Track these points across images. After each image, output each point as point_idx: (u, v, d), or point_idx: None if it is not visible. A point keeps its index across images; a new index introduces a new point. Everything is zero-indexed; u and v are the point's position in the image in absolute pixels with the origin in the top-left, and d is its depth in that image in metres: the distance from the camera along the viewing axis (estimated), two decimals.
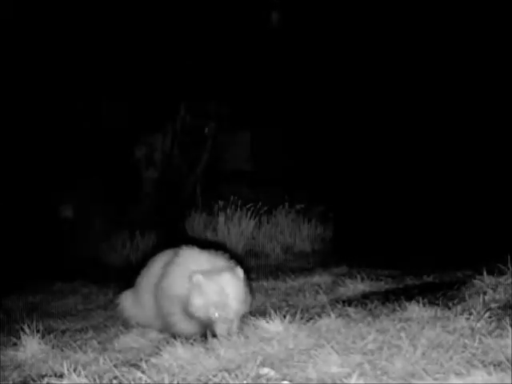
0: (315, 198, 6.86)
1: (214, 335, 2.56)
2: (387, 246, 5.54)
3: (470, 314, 2.48)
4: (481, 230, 5.35)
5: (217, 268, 2.70)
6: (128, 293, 3.23)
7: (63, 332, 3.26)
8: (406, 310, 2.70)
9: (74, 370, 2.18)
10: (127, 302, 3.18)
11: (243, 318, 2.76)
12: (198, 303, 2.59)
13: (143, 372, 2.14)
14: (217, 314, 2.56)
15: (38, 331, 2.87)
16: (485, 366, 1.88)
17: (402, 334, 2.24)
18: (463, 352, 2.03)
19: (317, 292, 3.63)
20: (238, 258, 2.97)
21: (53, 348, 2.78)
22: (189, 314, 2.64)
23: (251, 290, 2.88)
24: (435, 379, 1.83)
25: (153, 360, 2.29)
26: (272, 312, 2.62)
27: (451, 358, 1.98)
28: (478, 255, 3.62)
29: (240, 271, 2.69)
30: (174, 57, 7.23)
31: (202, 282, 2.59)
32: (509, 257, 3.14)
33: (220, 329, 2.55)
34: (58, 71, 6.85)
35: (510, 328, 2.16)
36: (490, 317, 2.41)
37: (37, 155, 6.85)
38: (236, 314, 2.58)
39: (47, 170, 6.91)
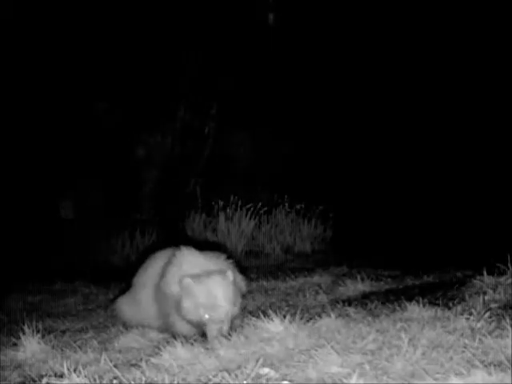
0: (315, 198, 6.86)
1: (211, 338, 2.56)
2: (387, 246, 5.55)
3: (470, 314, 2.48)
4: (480, 229, 5.35)
5: (206, 271, 2.72)
6: (124, 296, 3.26)
7: (63, 332, 3.25)
8: (406, 310, 2.70)
9: (74, 370, 2.17)
10: (124, 305, 3.20)
11: (243, 318, 2.77)
12: (187, 306, 2.63)
13: (143, 372, 2.14)
14: (207, 316, 2.58)
15: (38, 331, 2.87)
16: (485, 366, 1.87)
17: (402, 334, 2.24)
18: (463, 352, 2.03)
19: (317, 292, 3.63)
20: (237, 259, 2.98)
21: (53, 348, 2.77)
22: (181, 317, 2.68)
23: (245, 287, 2.90)
24: (435, 379, 1.83)
25: (153, 360, 2.29)
26: (272, 312, 2.62)
27: (451, 358, 1.98)
28: (478, 255, 3.62)
29: (230, 274, 2.71)
30: (174, 57, 7.23)
31: (191, 285, 2.62)
32: (509, 257, 3.15)
33: (211, 330, 2.58)
34: (57, 71, 6.85)
35: (510, 328, 2.16)
36: (490, 317, 2.41)
37: (37, 155, 6.85)
38: (226, 314, 2.60)
39: (47, 170, 6.90)
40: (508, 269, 3.10)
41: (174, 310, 2.72)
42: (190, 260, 2.82)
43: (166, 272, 2.84)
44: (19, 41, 6.60)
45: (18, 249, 5.96)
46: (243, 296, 2.90)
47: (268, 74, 7.45)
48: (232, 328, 2.64)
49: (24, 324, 2.91)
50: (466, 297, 2.89)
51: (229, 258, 2.96)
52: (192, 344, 2.48)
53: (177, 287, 2.69)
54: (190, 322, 2.66)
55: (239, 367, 2.09)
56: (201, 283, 2.63)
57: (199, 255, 2.88)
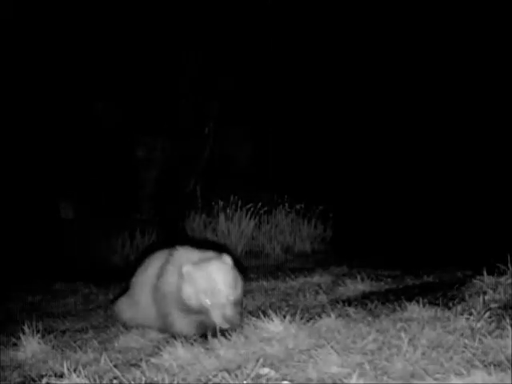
0: (315, 198, 6.86)
1: (214, 335, 2.57)
2: (387, 246, 5.55)
3: (470, 314, 2.48)
4: (480, 229, 5.35)
5: (205, 258, 2.76)
6: (123, 298, 3.27)
7: (63, 332, 3.26)
8: (406, 310, 2.70)
9: (74, 370, 2.18)
10: (124, 306, 3.21)
11: (240, 311, 2.77)
12: (188, 292, 2.64)
13: (143, 372, 2.15)
14: (208, 301, 2.59)
15: (38, 331, 2.87)
16: (485, 366, 1.87)
17: (402, 334, 2.23)
18: (463, 352, 2.03)
19: (317, 292, 3.62)
20: (236, 258, 2.98)
21: (53, 348, 2.78)
22: (183, 307, 2.68)
23: (243, 278, 2.90)
24: (435, 379, 1.83)
25: (153, 360, 2.29)
26: (272, 312, 2.62)
27: (451, 358, 1.98)
28: (478, 255, 3.62)
29: (228, 258, 2.74)
30: (174, 57, 7.23)
31: (191, 271, 2.65)
32: (509, 257, 3.14)
33: (215, 316, 2.58)
34: (57, 72, 6.85)
35: (510, 328, 2.16)
36: (490, 317, 2.41)
37: (37, 156, 6.85)
38: (227, 298, 2.61)
39: (47, 171, 6.91)
40: (508, 269, 3.10)
41: (176, 308, 2.72)
42: (187, 258, 2.83)
43: (163, 272, 2.85)
44: (19, 41, 6.60)
45: (18, 249, 5.96)
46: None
47: (268, 73, 7.45)
48: (237, 314, 2.65)
49: (24, 324, 2.91)
50: (466, 297, 2.88)
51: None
52: (192, 344, 2.48)
53: (176, 284, 2.69)
54: (191, 309, 2.66)
55: (239, 367, 2.09)
56: (200, 269, 2.65)
57: (196, 253, 2.89)
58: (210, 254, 2.89)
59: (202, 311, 2.63)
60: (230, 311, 2.60)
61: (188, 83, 7.40)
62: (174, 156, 7.56)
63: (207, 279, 2.62)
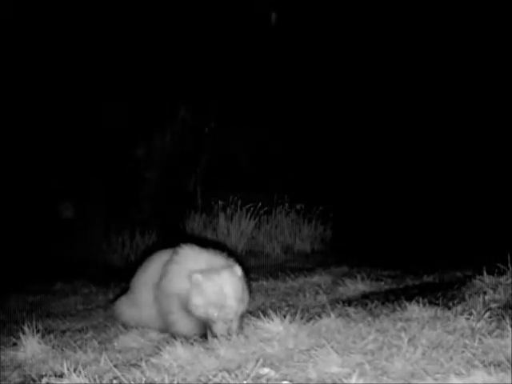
0: (315, 198, 6.86)
1: (215, 335, 2.56)
2: (387, 246, 5.55)
3: (470, 314, 2.48)
4: (480, 229, 5.35)
5: (215, 267, 2.70)
6: (123, 298, 3.26)
7: (63, 332, 3.25)
8: (406, 310, 2.70)
9: (74, 370, 2.18)
10: (123, 306, 3.20)
11: (243, 318, 2.77)
12: (197, 303, 2.61)
13: (143, 372, 2.15)
14: (216, 314, 2.57)
15: (38, 331, 2.87)
16: (485, 366, 1.88)
17: (402, 334, 2.24)
18: (463, 352, 2.03)
19: (317, 292, 3.63)
20: (237, 258, 2.97)
21: (53, 348, 2.77)
22: (189, 313, 2.66)
23: (249, 288, 2.88)
24: (435, 379, 1.83)
25: (153, 360, 2.29)
26: (272, 312, 2.62)
27: (451, 358, 1.98)
28: (478, 255, 3.62)
29: (238, 269, 2.69)
30: (174, 56, 7.23)
31: (201, 281, 2.60)
32: (509, 257, 3.15)
33: (220, 329, 2.57)
34: (58, 72, 6.85)
35: (510, 328, 2.16)
36: (490, 317, 2.42)
37: (37, 156, 6.85)
38: (235, 313, 2.59)
39: (47, 170, 6.91)
40: (508, 269, 3.10)
41: (179, 308, 2.70)
42: (192, 256, 2.81)
43: (167, 271, 2.82)
44: (21, 41, 6.60)
45: (18, 249, 5.96)
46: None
47: (268, 73, 7.45)
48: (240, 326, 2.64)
49: (24, 324, 2.91)
50: (466, 297, 2.88)
51: (230, 255, 2.95)
52: (192, 344, 2.48)
53: (182, 285, 2.66)
54: (198, 318, 2.64)
55: (239, 367, 2.09)
56: (210, 280, 2.60)
57: (202, 252, 2.86)
58: (217, 256, 2.85)
59: (208, 321, 2.61)
60: (235, 325, 2.59)
61: (188, 83, 7.40)
62: (174, 156, 7.56)
63: (217, 293, 2.57)
